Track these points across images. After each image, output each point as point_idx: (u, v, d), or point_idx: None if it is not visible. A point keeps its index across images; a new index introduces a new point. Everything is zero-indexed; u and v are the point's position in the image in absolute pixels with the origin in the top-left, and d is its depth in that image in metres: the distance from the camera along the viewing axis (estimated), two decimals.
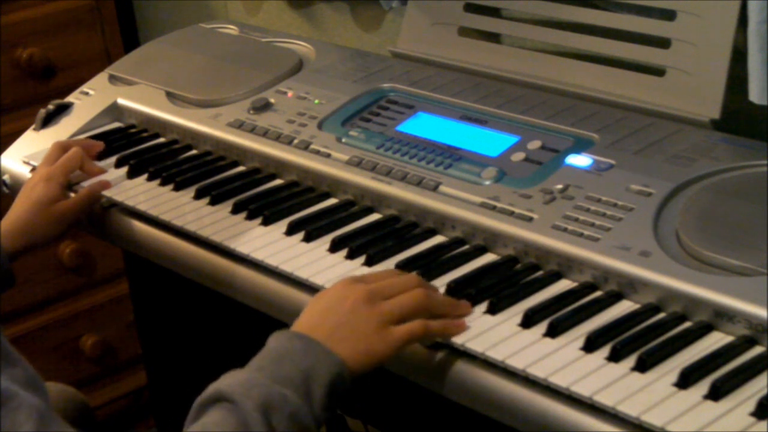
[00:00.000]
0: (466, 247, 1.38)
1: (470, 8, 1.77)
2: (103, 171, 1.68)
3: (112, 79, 1.93)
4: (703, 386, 1.08)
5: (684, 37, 1.51)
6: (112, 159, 1.72)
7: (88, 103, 1.88)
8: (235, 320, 1.68)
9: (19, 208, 1.61)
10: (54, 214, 1.60)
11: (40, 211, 1.60)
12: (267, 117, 1.68)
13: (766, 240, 1.21)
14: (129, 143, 1.76)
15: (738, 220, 1.27)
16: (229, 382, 1.12)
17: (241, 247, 1.43)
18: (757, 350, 1.13)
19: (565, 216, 1.33)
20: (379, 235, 1.42)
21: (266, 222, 1.48)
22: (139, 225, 1.58)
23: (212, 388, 1.12)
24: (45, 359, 2.45)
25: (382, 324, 1.19)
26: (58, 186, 1.62)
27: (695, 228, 1.26)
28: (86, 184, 1.65)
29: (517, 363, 1.15)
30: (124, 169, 1.68)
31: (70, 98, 1.91)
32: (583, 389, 1.09)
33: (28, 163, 1.76)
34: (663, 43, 1.54)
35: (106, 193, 1.63)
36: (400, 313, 1.20)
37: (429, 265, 1.33)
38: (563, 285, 1.28)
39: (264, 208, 1.50)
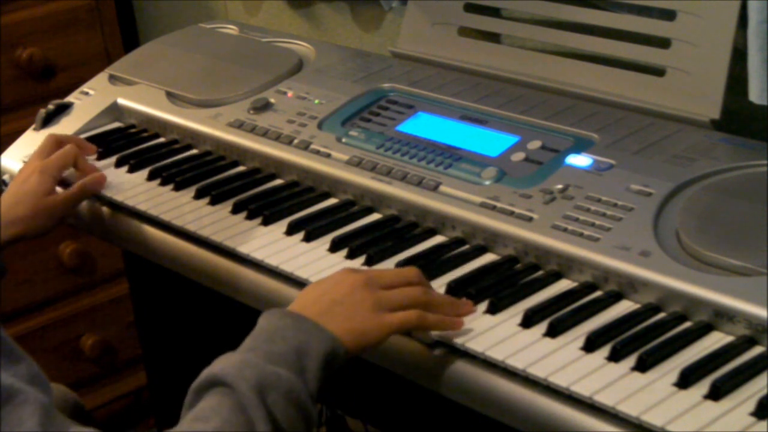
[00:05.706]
0: (466, 247, 1.38)
1: (470, 8, 1.77)
2: (96, 170, 1.66)
3: (112, 79, 1.93)
4: (703, 386, 1.08)
5: (684, 37, 1.51)
6: (112, 159, 1.71)
7: (88, 103, 1.87)
8: (235, 320, 1.67)
9: (10, 199, 1.59)
10: (45, 207, 1.59)
11: (32, 202, 1.58)
12: (267, 117, 1.68)
13: (766, 240, 1.21)
14: (129, 143, 1.76)
15: (738, 220, 1.27)
16: (222, 365, 1.11)
17: (241, 247, 1.43)
18: (757, 350, 1.13)
19: (565, 216, 1.33)
20: (379, 235, 1.42)
21: (266, 222, 1.48)
22: (139, 225, 1.58)
23: (206, 373, 1.12)
24: (45, 359, 2.45)
25: (377, 308, 1.19)
26: (51, 179, 1.60)
27: (695, 228, 1.26)
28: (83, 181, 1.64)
29: (517, 363, 1.15)
30: (124, 169, 1.68)
31: (70, 98, 1.91)
32: (583, 389, 1.10)
33: None
34: (663, 43, 1.54)
35: (107, 192, 1.63)
36: (397, 302, 1.20)
37: (429, 265, 1.33)
38: (563, 285, 1.28)
39: (264, 208, 1.50)
